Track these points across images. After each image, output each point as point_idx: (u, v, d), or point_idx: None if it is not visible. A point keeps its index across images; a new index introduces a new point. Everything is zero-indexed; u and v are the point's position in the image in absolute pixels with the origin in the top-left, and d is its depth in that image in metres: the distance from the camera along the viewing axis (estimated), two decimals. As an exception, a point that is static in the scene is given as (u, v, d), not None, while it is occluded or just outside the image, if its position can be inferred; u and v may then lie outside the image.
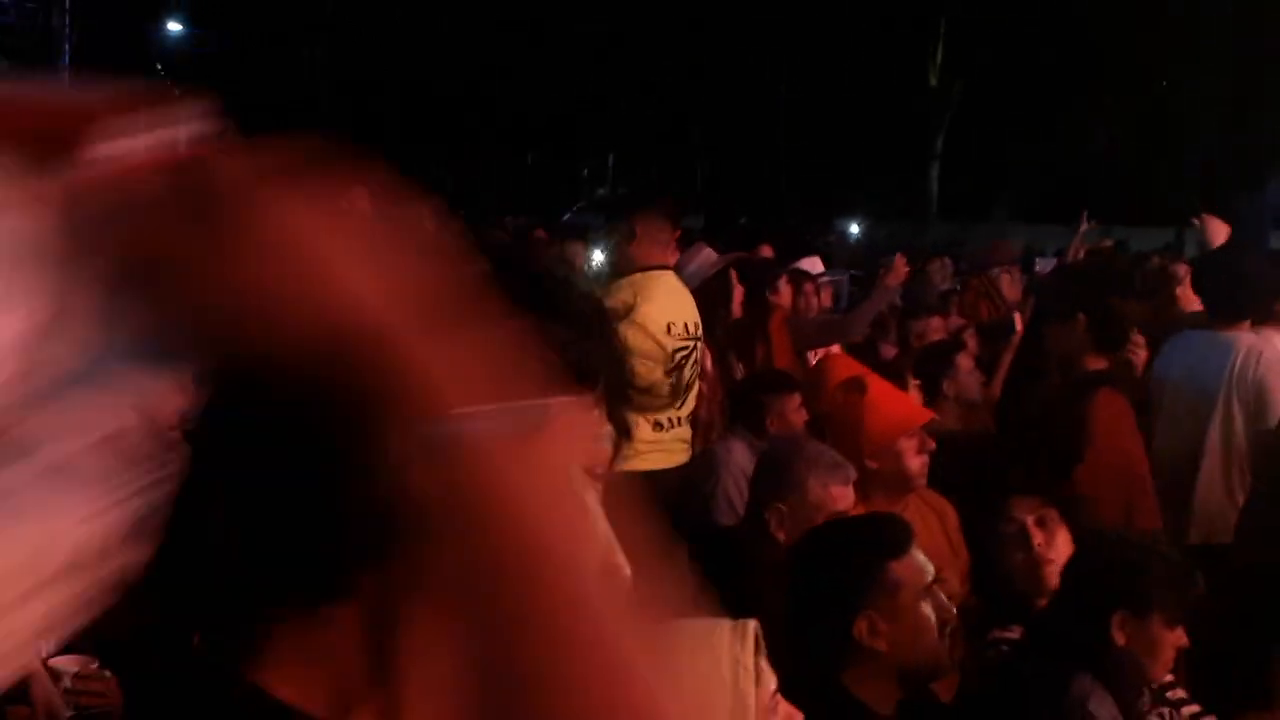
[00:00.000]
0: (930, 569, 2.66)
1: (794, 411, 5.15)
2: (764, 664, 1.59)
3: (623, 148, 34.85)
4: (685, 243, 9.16)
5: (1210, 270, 5.66)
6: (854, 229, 31.25)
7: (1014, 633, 3.26)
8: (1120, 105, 30.67)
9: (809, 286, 7.63)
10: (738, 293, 6.54)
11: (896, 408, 3.98)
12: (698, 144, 33.68)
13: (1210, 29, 26.47)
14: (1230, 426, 4.90)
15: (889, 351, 7.58)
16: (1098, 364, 5.04)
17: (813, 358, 6.55)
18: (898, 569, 2.61)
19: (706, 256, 6.60)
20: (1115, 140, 31.32)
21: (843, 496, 3.59)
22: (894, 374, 5.89)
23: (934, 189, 31.85)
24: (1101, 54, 29.66)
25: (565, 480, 0.78)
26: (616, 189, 36.21)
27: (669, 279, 5.36)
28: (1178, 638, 2.91)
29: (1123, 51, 29.41)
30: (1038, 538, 3.48)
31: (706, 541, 3.66)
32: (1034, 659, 2.94)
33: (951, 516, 4.04)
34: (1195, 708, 3.17)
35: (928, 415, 4.00)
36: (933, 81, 31.84)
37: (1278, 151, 22.48)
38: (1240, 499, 4.79)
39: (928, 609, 2.60)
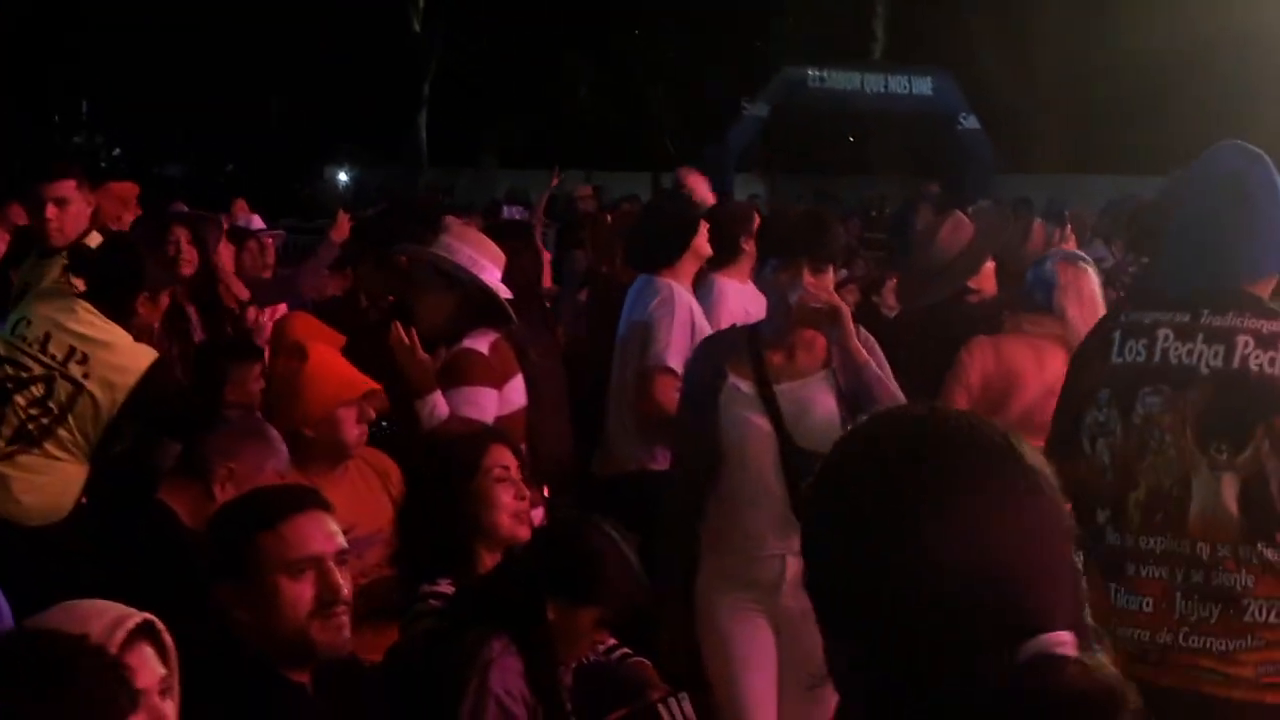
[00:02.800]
0: (330, 544, 2.59)
1: (254, 380, 5.04)
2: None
3: (95, 95, 32.62)
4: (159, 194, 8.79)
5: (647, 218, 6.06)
6: (343, 176, 30.88)
7: (443, 586, 3.30)
8: (598, 56, 31.93)
9: (251, 243, 7.45)
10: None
11: (335, 377, 3.92)
12: (181, 92, 32.04)
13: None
14: (625, 364, 5.24)
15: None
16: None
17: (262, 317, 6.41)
18: (264, 541, 2.55)
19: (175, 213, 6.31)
20: (595, 90, 32.59)
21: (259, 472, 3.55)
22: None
23: (423, 135, 31.91)
24: (578, 5, 30.71)
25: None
26: (93, 138, 33.95)
27: None
28: (602, 635, 3.01)
29: (598, 3, 30.62)
30: (523, 489, 3.55)
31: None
32: (458, 615, 3.00)
33: (395, 475, 4.06)
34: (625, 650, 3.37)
35: (367, 385, 3.96)
36: (416, 27, 31.82)
37: (734, 104, 24.12)
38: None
39: (296, 586, 2.53)
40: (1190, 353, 3.00)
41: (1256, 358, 2.93)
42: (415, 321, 4.27)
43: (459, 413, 4.14)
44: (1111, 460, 3.08)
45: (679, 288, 5.19)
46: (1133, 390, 3.06)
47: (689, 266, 5.36)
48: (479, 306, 4.35)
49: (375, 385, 3.98)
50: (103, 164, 28.85)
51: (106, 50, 29.24)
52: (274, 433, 3.75)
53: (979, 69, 26.92)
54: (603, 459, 5.37)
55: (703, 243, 5.38)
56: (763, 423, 3.78)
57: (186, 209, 8.32)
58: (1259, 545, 2.88)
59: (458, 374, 4.24)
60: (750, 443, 3.78)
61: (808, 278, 3.72)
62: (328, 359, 3.99)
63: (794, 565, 3.73)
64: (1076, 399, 3.21)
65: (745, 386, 3.82)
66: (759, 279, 4.17)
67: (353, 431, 3.89)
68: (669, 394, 4.76)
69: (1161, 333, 3.04)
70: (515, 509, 3.47)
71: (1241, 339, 2.95)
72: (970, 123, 24.57)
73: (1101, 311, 4.14)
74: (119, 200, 6.59)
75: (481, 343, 4.32)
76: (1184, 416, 2.97)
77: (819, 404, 3.83)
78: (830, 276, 3.90)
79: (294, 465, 3.83)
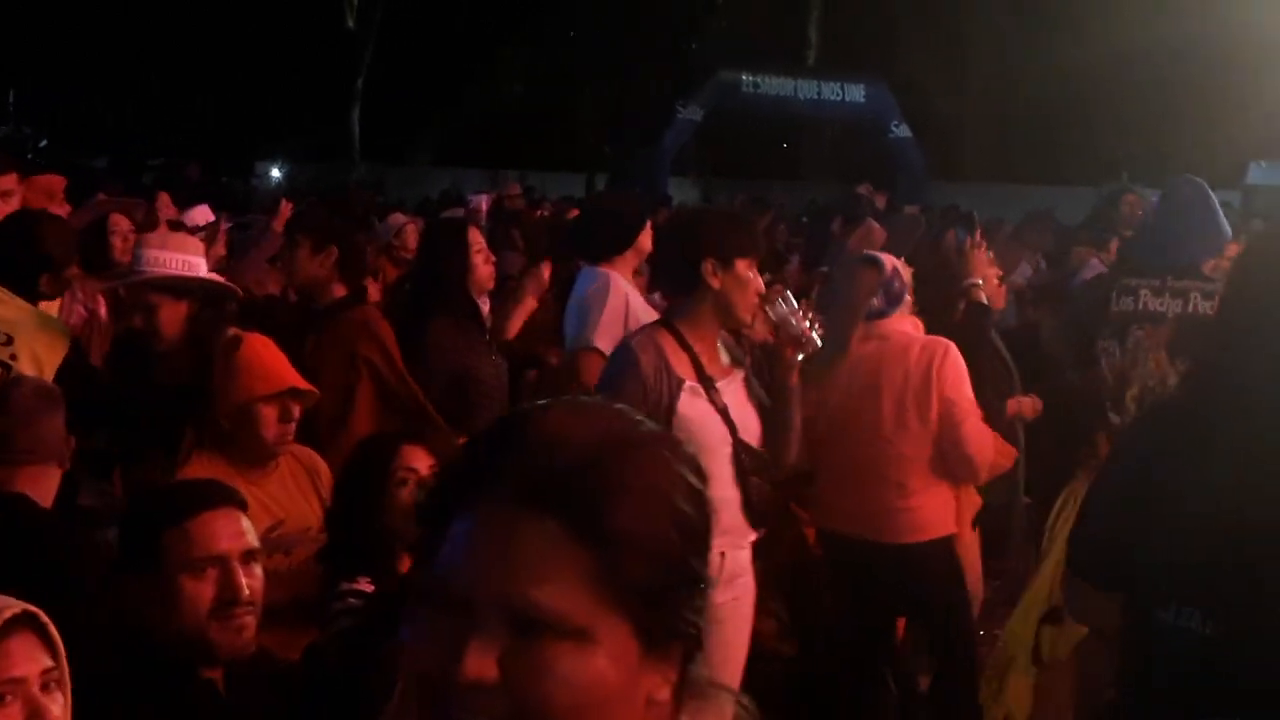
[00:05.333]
0: (236, 544, 2.55)
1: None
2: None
3: (22, 86, 32.06)
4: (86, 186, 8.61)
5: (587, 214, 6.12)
6: (275, 172, 30.58)
7: (361, 584, 3.26)
8: (532, 55, 31.89)
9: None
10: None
11: (256, 370, 3.83)
12: (111, 84, 31.63)
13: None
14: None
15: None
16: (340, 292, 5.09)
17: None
18: (168, 538, 2.51)
19: (97, 203, 6.22)
20: (529, 89, 32.55)
21: None
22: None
23: (356, 131, 31.70)
24: (512, 3, 30.70)
25: None
26: (20, 128, 33.30)
27: None
28: None
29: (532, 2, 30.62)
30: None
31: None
32: (375, 616, 2.97)
33: (325, 475, 4.00)
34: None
35: (291, 383, 3.84)
36: (350, 23, 31.62)
37: (667, 105, 24.20)
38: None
39: (197, 584, 2.49)
40: (1161, 304, 4.83)
41: (1200, 306, 4.69)
42: (159, 339, 4.27)
43: None
44: (1113, 371, 4.74)
45: (617, 276, 5.22)
46: (1125, 328, 4.83)
47: (630, 261, 5.38)
48: (212, 299, 4.47)
49: (303, 384, 3.88)
50: (30, 155, 28.34)
51: (34, 40, 28.75)
52: (48, 385, 3.69)
53: (911, 77, 27.18)
54: None
55: (646, 239, 5.40)
56: (717, 422, 3.81)
57: (106, 198, 8.17)
58: None
59: None
60: (715, 444, 3.78)
61: (778, 290, 3.79)
62: (257, 351, 3.88)
63: (730, 559, 3.76)
64: (1088, 334, 4.98)
65: (698, 388, 3.84)
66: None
67: (271, 428, 3.76)
68: (594, 375, 4.72)
69: (1142, 292, 4.90)
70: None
71: (1193, 295, 4.77)
72: (902, 131, 24.82)
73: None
74: (44, 193, 6.46)
75: None
76: (1159, 343, 4.66)
77: (745, 403, 3.89)
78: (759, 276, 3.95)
79: (225, 460, 3.75)
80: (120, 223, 6.07)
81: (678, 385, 3.80)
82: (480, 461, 1.16)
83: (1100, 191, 13.09)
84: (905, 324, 4.71)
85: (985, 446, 4.57)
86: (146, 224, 6.60)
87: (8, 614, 1.97)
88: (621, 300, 5.11)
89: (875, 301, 4.68)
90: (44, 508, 3.41)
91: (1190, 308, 4.73)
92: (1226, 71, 21.47)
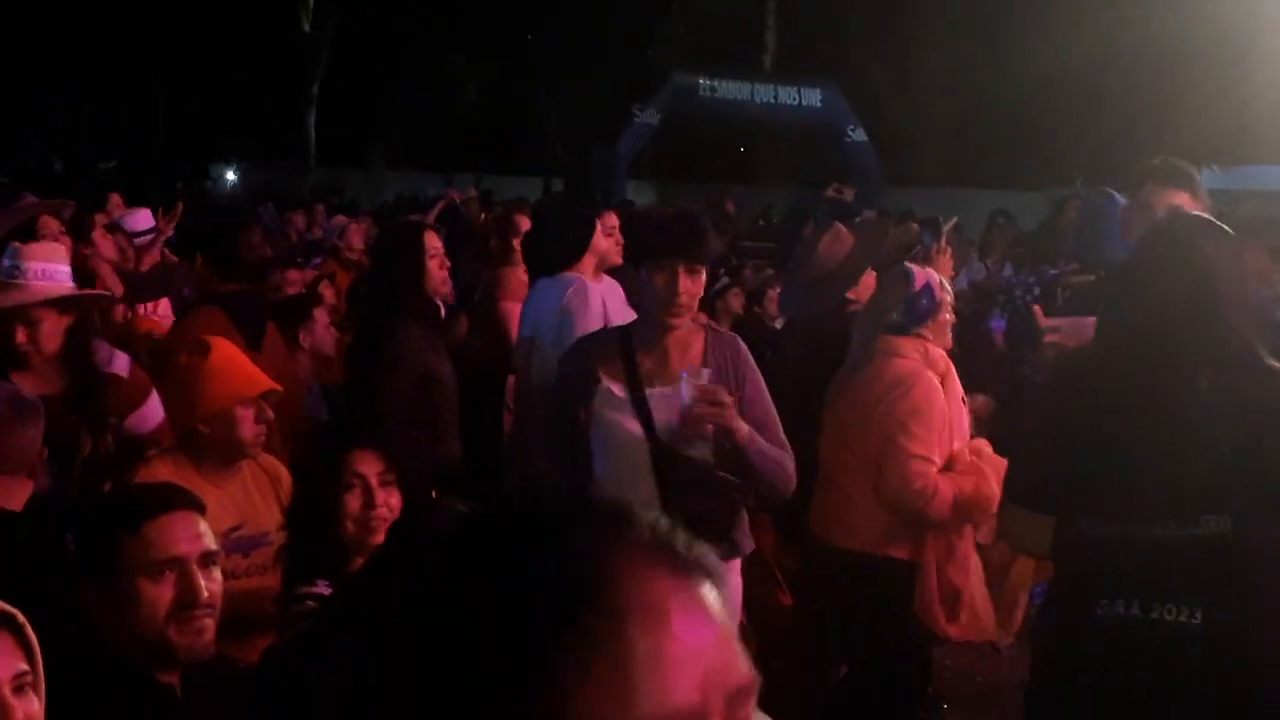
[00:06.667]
0: (194, 546, 2.54)
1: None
2: None
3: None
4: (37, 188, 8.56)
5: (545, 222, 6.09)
6: (230, 175, 30.42)
7: (319, 587, 3.26)
8: (487, 58, 31.85)
9: (122, 239, 7.32)
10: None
11: (235, 374, 3.88)
12: (58, 84, 31.32)
13: None
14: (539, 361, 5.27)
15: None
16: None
17: (146, 311, 6.31)
18: (125, 541, 2.50)
19: (25, 204, 6.13)
20: (484, 92, 32.51)
21: None
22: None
23: (311, 135, 31.57)
24: (468, 6, 30.65)
25: None
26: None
27: None
28: None
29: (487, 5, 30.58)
30: (379, 496, 3.49)
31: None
32: (331, 619, 2.96)
33: (285, 480, 4.01)
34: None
35: (267, 385, 3.92)
36: (306, 27, 31.48)
37: (622, 108, 24.22)
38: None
39: (155, 587, 2.49)
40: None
41: None
42: (42, 351, 4.24)
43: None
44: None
45: (588, 281, 5.24)
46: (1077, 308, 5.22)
47: (589, 264, 5.40)
48: (83, 305, 4.41)
49: (275, 386, 3.94)
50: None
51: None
52: (24, 396, 3.60)
53: (865, 82, 27.33)
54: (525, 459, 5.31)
55: (600, 240, 5.42)
56: (634, 426, 3.79)
57: (35, 200, 8.07)
58: None
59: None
60: (622, 446, 3.78)
61: (700, 385, 3.72)
62: (230, 356, 3.93)
63: None
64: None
65: (617, 389, 3.82)
66: (631, 281, 4.18)
67: (250, 430, 3.83)
68: None
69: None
70: (361, 517, 3.42)
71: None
72: (858, 135, 24.95)
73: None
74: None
75: (120, 366, 4.40)
76: None
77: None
78: (703, 278, 3.88)
79: (188, 461, 3.79)
80: (50, 224, 6.02)
81: (593, 385, 3.84)
82: None
83: (1052, 196, 13.21)
84: (916, 345, 4.56)
85: (906, 493, 4.38)
86: (74, 228, 6.54)
87: None
88: (599, 301, 5.14)
89: (893, 315, 4.60)
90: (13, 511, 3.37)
91: None
92: (1179, 76, 21.71)
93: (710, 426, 3.77)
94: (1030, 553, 4.02)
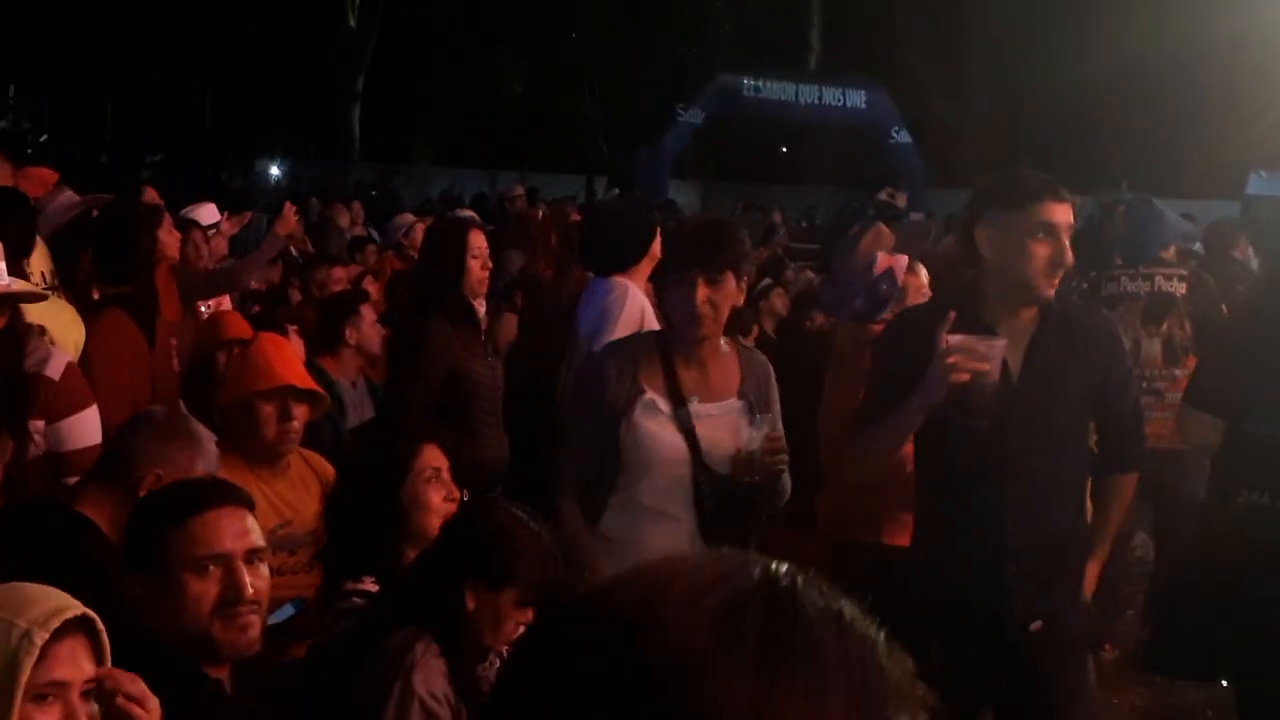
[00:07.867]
0: (240, 543, 2.54)
1: None
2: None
3: (22, 79, 32.04)
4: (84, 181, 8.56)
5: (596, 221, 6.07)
6: (275, 170, 30.57)
7: (366, 584, 3.26)
8: (533, 58, 31.92)
9: (197, 234, 7.35)
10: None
11: (256, 366, 3.85)
12: (111, 80, 31.60)
13: None
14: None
15: (296, 299, 7.50)
16: None
17: (206, 310, 6.33)
18: (172, 536, 2.50)
19: (68, 199, 6.09)
20: (529, 90, 32.58)
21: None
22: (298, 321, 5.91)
23: (356, 130, 31.72)
24: (513, 4, 30.70)
25: None
26: (19, 122, 33.27)
27: None
28: (525, 615, 2.88)
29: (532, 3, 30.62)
30: (454, 489, 3.51)
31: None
32: (380, 615, 2.96)
33: (332, 477, 4.01)
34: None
35: (286, 380, 3.85)
36: (352, 22, 31.63)
37: (667, 107, 24.21)
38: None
39: (201, 583, 2.48)
40: (1136, 286, 6.40)
41: (1166, 285, 6.37)
42: None
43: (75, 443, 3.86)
44: None
45: (633, 286, 5.21)
46: (1112, 305, 6.20)
47: (645, 270, 5.36)
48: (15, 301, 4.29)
49: (301, 384, 3.89)
50: (29, 150, 28.30)
51: (35, 36, 28.73)
52: (202, 430, 3.47)
53: (911, 83, 27.20)
54: None
55: (659, 247, 5.38)
56: (678, 443, 3.70)
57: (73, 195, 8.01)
58: (1172, 369, 6.20)
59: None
60: (664, 461, 3.70)
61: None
62: (262, 349, 3.92)
63: None
64: None
65: (661, 403, 3.72)
66: (661, 289, 4.14)
67: (270, 426, 3.80)
68: None
69: (1122, 279, 6.47)
70: (445, 511, 3.45)
71: (1159, 278, 6.38)
72: (902, 137, 24.83)
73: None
74: (39, 184, 6.42)
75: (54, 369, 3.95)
76: (1135, 314, 6.29)
77: (733, 432, 3.72)
78: (730, 286, 3.70)
79: (239, 458, 3.76)
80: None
81: (636, 394, 3.71)
82: None
83: (1098, 201, 13.12)
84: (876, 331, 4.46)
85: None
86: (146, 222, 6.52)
87: (67, 615, 1.97)
88: (637, 309, 5.10)
89: (857, 303, 4.56)
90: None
91: (1156, 287, 6.37)
92: (1228, 81, 21.50)
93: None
94: (1202, 452, 4.43)
